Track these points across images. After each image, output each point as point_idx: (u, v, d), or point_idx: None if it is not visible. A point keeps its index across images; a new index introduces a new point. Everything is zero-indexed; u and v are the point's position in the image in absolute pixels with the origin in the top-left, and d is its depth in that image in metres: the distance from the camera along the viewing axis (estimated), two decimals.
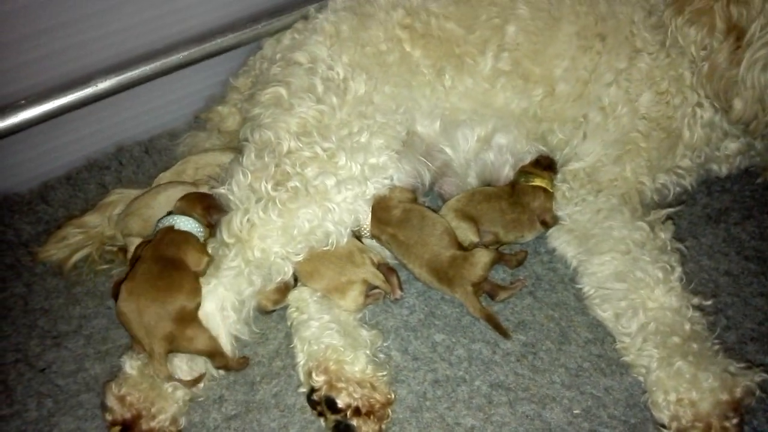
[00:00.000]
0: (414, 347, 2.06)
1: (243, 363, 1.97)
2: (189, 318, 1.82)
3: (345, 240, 2.01)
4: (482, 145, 2.29)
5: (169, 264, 1.88)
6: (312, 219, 1.92)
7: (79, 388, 1.98)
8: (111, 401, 1.75)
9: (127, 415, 1.72)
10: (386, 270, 2.09)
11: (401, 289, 2.09)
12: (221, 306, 1.87)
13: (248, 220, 1.89)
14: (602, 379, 1.98)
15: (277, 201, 1.89)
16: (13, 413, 1.92)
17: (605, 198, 2.14)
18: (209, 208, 2.04)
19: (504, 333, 2.03)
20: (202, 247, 1.96)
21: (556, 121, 2.27)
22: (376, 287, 2.06)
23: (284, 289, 2.05)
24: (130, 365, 1.80)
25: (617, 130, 2.19)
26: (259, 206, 1.90)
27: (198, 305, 1.85)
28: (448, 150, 2.29)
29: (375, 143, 2.04)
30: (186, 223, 1.98)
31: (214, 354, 1.86)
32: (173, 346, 1.79)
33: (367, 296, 2.06)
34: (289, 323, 2.07)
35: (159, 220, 2.01)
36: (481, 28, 2.25)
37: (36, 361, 2.04)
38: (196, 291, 1.87)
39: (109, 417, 1.75)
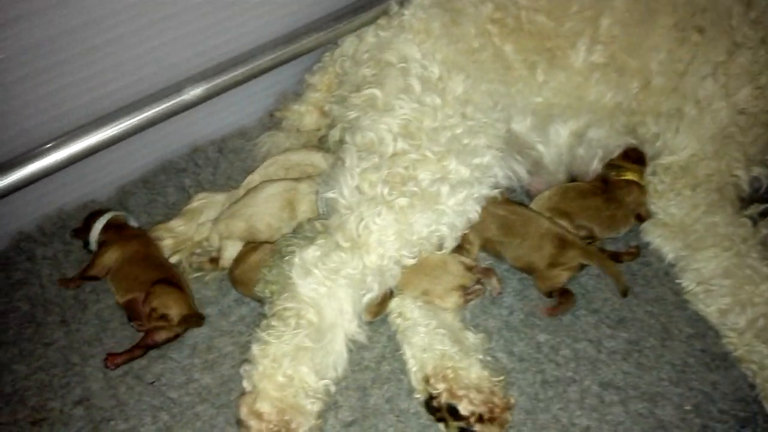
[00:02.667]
0: (519, 348, 2.08)
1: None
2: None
3: (455, 243, 2.01)
4: (574, 140, 2.28)
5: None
6: (429, 223, 1.90)
7: (193, 399, 1.98)
8: (247, 417, 1.74)
9: None
10: (483, 271, 2.08)
11: (499, 282, 2.09)
12: (341, 309, 1.86)
13: (365, 225, 1.87)
14: (708, 375, 2.01)
15: (396, 206, 1.87)
16: (130, 428, 1.93)
17: (704, 193, 2.14)
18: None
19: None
20: None
21: (649, 115, 2.25)
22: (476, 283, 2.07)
23: (384, 301, 2.04)
24: (258, 377, 1.79)
25: (714, 125, 2.18)
26: (375, 211, 1.88)
27: None
28: (540, 146, 2.27)
29: (479, 143, 2.02)
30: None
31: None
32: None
33: (467, 295, 2.06)
34: (394, 329, 2.08)
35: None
36: (573, 20, 2.20)
37: (144, 374, 2.04)
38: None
39: None
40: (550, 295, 2.11)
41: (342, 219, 1.93)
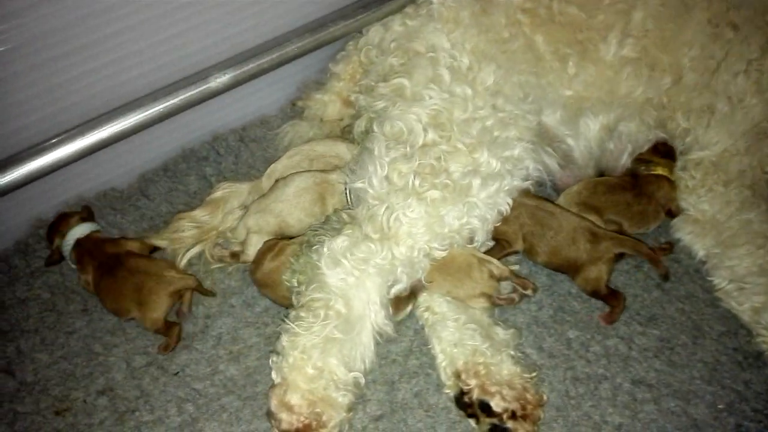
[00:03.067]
0: (548, 344, 2.05)
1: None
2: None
3: (487, 237, 1.97)
4: (605, 134, 2.25)
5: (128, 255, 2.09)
6: (461, 216, 1.87)
7: (218, 391, 1.95)
8: (278, 409, 1.71)
9: (298, 425, 1.68)
10: (515, 279, 2.01)
11: (534, 290, 2.03)
12: (368, 300, 1.83)
13: (396, 217, 1.84)
14: (741, 373, 1.98)
15: (427, 198, 1.84)
16: (155, 419, 1.90)
17: (737, 190, 2.11)
18: (81, 218, 2.22)
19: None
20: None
21: (680, 110, 2.22)
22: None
23: (405, 299, 1.98)
24: (287, 369, 1.76)
25: (746, 121, 2.15)
26: (405, 203, 1.84)
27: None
28: (569, 140, 2.23)
29: (510, 135, 1.98)
30: (85, 229, 2.16)
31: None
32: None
33: (497, 300, 2.01)
34: (421, 323, 2.05)
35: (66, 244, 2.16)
36: (605, 12, 2.17)
37: (168, 365, 2.00)
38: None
39: (277, 426, 1.72)
40: (594, 295, 2.06)
41: (371, 210, 1.89)
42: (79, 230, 2.16)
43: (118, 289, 2.01)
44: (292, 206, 2.07)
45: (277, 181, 2.17)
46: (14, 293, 2.15)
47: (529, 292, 2.01)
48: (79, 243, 2.13)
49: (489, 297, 1.99)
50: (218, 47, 2.35)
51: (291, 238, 2.09)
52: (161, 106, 2.02)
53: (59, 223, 2.19)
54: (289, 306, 2.03)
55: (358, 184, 1.94)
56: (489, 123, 1.97)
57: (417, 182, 1.87)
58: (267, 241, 2.08)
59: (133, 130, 2.00)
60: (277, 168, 2.29)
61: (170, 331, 2.01)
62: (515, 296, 2.00)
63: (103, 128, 1.96)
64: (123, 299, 2.02)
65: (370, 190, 1.91)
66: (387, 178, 1.91)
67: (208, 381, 1.97)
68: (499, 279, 1.99)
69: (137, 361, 2.01)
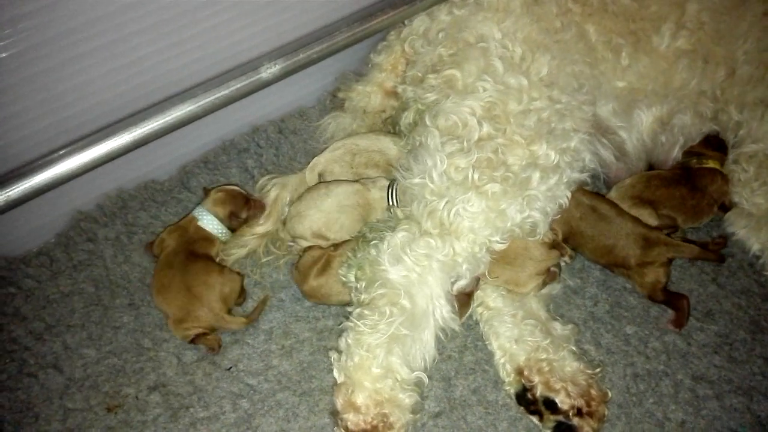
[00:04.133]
0: (607, 340, 2.02)
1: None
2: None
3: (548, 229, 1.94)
4: (657, 126, 2.21)
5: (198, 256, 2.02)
6: (522, 209, 1.82)
7: (273, 387, 1.91)
8: (344, 409, 1.68)
9: (365, 426, 1.64)
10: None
11: (572, 257, 2.05)
12: (431, 294, 1.79)
13: (456, 212, 1.80)
14: None
15: (488, 192, 1.79)
16: (210, 416, 1.86)
17: None
18: (233, 214, 2.10)
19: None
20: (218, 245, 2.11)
21: (733, 103, 2.18)
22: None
23: (463, 304, 1.94)
24: (353, 368, 1.72)
25: None
26: (465, 197, 1.80)
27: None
28: (622, 132, 2.20)
29: (566, 126, 1.94)
30: (210, 223, 2.07)
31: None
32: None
33: (546, 278, 1.99)
34: (475, 318, 2.02)
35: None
36: (659, 3, 2.14)
37: (220, 360, 1.96)
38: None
39: (343, 426, 1.68)
40: (652, 299, 2.03)
41: (430, 205, 1.85)
42: (209, 222, 2.09)
43: (170, 284, 1.96)
44: (332, 221, 2.03)
45: (318, 183, 2.13)
46: (58, 287, 2.10)
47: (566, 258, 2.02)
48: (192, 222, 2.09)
49: (546, 272, 1.96)
50: (258, 38, 2.30)
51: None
52: (212, 98, 1.95)
53: (232, 198, 2.12)
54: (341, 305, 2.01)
55: (417, 180, 1.89)
56: (545, 114, 1.93)
57: (476, 176, 1.82)
58: (309, 249, 2.04)
59: (184, 122, 1.92)
60: (320, 161, 2.24)
61: (203, 341, 1.97)
62: (555, 269, 1.99)
63: (152, 121, 1.88)
64: (170, 294, 1.97)
65: (430, 185, 1.86)
66: (445, 173, 1.86)
67: (262, 376, 1.93)
68: (554, 246, 1.98)
69: (188, 356, 1.97)
